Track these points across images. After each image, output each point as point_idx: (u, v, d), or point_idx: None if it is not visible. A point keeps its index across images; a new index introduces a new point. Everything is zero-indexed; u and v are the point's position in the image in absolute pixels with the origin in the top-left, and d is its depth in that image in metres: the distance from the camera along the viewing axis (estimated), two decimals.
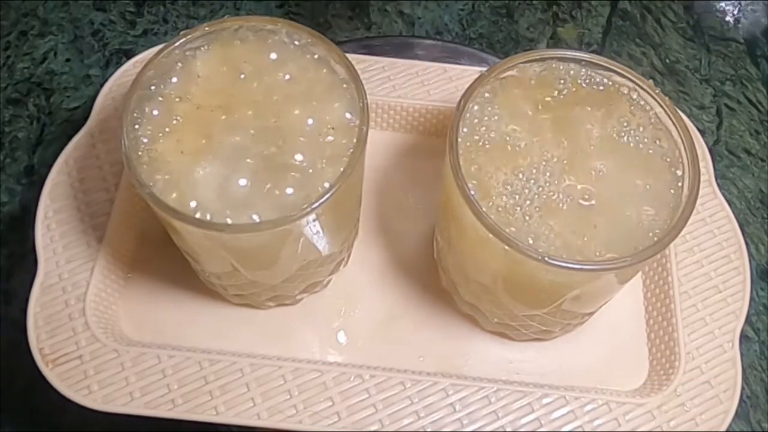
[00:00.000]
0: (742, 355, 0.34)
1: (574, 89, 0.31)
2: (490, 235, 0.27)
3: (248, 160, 0.28)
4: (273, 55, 0.30)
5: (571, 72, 0.31)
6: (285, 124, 0.29)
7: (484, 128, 0.30)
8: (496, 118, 0.30)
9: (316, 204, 0.26)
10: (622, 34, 0.51)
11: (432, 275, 0.36)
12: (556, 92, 0.30)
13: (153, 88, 0.29)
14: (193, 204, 0.27)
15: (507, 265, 0.28)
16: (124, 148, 0.28)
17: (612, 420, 0.32)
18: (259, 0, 0.50)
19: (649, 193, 0.28)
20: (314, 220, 0.28)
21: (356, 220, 0.36)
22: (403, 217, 0.38)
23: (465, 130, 0.29)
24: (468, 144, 0.29)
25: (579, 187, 0.28)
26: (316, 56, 0.30)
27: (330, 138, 0.28)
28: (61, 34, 0.48)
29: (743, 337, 0.37)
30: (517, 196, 0.28)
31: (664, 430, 0.32)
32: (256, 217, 0.27)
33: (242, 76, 0.30)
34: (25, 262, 0.40)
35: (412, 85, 0.39)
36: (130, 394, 0.31)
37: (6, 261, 0.41)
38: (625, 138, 0.30)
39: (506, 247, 0.26)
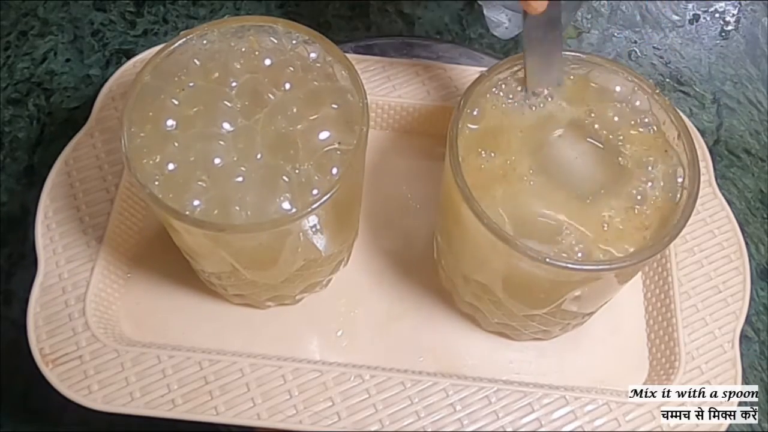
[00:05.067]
0: (742, 355, 0.34)
1: (574, 90, 0.31)
2: (490, 235, 0.27)
3: (248, 160, 0.28)
4: (273, 56, 0.30)
5: (572, 73, 0.31)
6: (285, 123, 0.29)
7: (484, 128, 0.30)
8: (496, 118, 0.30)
9: (317, 204, 0.26)
10: (622, 33, 0.51)
11: (432, 275, 0.36)
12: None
13: (153, 88, 0.29)
14: (193, 203, 0.27)
15: (507, 265, 0.28)
16: (124, 148, 0.28)
17: (612, 420, 0.32)
18: (259, 0, 0.50)
19: (648, 193, 0.28)
20: (314, 220, 0.28)
21: (356, 219, 0.36)
22: (403, 216, 0.38)
23: (465, 130, 0.29)
24: (468, 143, 0.29)
25: (578, 186, 0.28)
26: (315, 56, 0.30)
27: (330, 138, 0.28)
28: (61, 34, 0.48)
29: (743, 337, 0.37)
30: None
31: (664, 430, 0.32)
32: (255, 217, 0.27)
33: (242, 76, 0.30)
34: (25, 262, 0.40)
35: (412, 85, 0.39)
36: (130, 394, 0.31)
37: (6, 261, 0.41)
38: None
39: (506, 247, 0.26)
